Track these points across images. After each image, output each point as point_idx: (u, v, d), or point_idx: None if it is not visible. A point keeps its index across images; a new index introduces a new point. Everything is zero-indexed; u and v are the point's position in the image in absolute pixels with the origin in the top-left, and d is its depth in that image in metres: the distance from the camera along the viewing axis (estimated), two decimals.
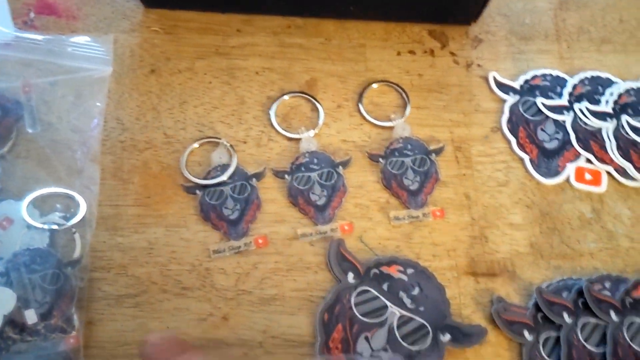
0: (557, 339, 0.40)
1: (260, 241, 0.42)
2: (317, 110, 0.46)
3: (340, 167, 0.44)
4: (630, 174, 0.45)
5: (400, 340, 0.38)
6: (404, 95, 0.47)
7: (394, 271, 0.40)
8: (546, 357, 0.39)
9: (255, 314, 0.39)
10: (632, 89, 0.49)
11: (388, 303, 0.39)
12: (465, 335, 0.38)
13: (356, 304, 0.39)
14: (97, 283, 0.39)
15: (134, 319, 0.39)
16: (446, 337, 0.38)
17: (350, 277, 0.39)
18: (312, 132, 0.45)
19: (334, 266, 0.40)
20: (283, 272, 0.41)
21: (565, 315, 0.40)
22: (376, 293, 0.39)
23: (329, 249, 0.41)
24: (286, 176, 0.44)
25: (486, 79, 0.49)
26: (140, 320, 0.39)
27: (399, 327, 0.38)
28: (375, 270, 0.40)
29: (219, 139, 0.44)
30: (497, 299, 0.41)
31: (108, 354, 0.38)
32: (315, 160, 0.44)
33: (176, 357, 0.31)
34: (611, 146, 0.46)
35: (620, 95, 0.48)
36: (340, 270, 0.40)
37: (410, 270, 0.40)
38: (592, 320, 0.40)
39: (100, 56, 0.45)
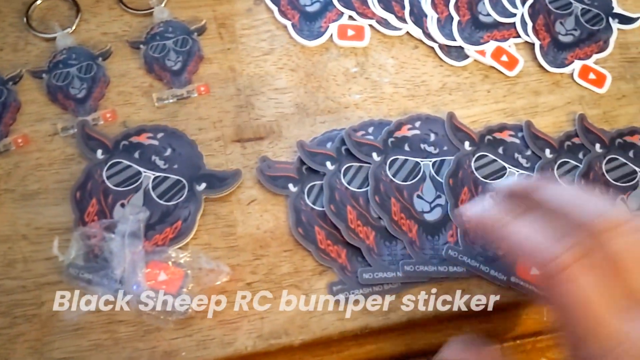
0: (322, 187, 0.41)
1: (19, 141, 0.41)
2: (74, 8, 0.45)
3: (100, 59, 0.44)
4: (393, 24, 0.46)
5: (157, 199, 0.38)
6: None
7: (143, 139, 0.40)
8: (310, 204, 0.40)
9: (18, 210, 0.39)
10: None
11: (141, 169, 0.39)
12: (220, 180, 0.39)
13: (108, 177, 0.39)
14: None
15: None
16: (202, 186, 0.39)
17: (99, 153, 0.40)
18: (68, 30, 0.44)
19: (81, 147, 0.40)
20: (45, 167, 0.41)
21: (328, 164, 0.41)
22: (127, 163, 0.39)
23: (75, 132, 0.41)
24: (43, 75, 0.43)
25: None
26: None
27: (154, 187, 0.39)
28: (125, 142, 0.40)
29: None
30: (261, 158, 0.41)
31: None
32: (74, 56, 0.43)
33: None
34: (372, 0, 0.46)
35: None
36: (88, 149, 0.40)
37: (160, 135, 0.41)
38: (355, 164, 0.41)
39: None
